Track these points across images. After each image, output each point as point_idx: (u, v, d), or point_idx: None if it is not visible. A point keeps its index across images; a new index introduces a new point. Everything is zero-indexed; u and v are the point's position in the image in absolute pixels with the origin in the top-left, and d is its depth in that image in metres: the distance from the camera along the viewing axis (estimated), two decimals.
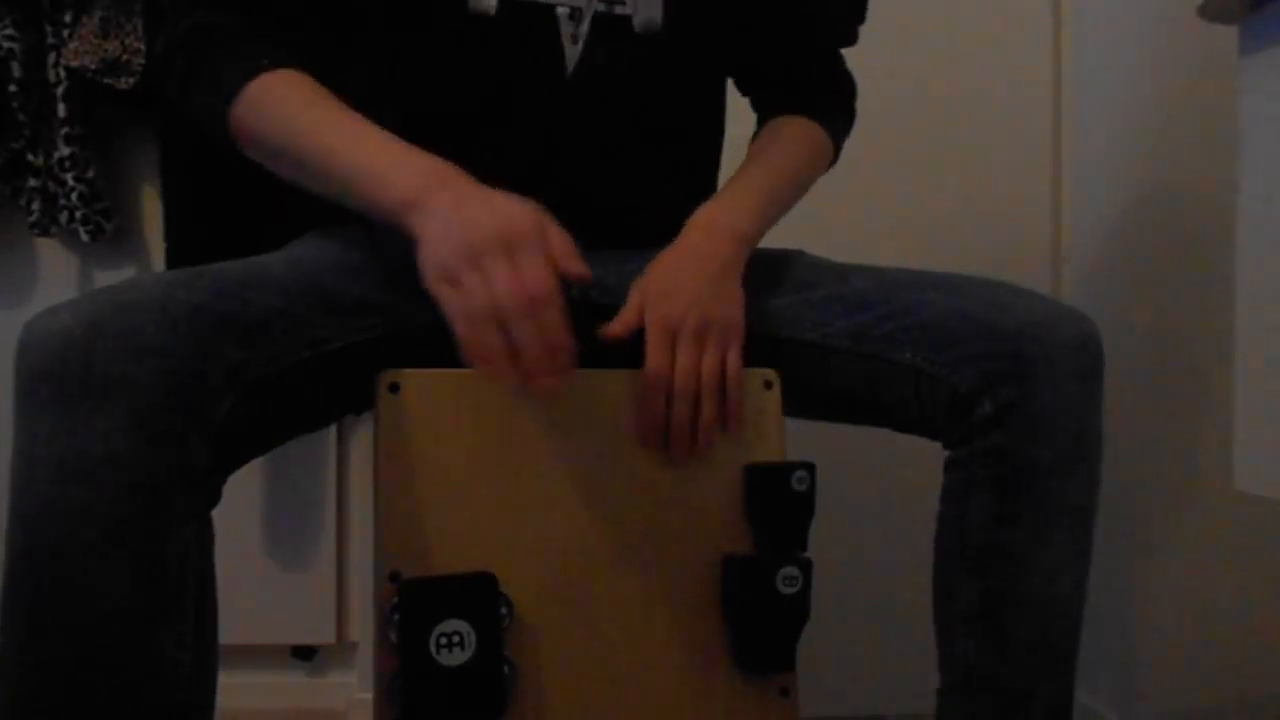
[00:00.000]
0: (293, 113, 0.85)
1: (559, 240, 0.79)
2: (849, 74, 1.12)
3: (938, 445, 0.90)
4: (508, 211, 0.78)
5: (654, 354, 0.85)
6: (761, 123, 1.09)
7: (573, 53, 0.93)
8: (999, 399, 0.83)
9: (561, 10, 0.92)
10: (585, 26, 0.92)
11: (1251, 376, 0.78)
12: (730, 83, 1.11)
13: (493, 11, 0.90)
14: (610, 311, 0.89)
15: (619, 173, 0.97)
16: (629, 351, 0.87)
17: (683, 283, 0.87)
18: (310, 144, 0.84)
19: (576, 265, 0.79)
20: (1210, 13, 0.79)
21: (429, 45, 0.92)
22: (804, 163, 1.04)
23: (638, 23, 0.94)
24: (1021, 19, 1.62)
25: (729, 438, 0.88)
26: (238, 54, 0.86)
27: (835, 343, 0.91)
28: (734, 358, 0.87)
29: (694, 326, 0.86)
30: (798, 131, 1.05)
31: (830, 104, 1.08)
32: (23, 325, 0.72)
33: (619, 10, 0.93)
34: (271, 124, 0.85)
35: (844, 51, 1.12)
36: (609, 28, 0.93)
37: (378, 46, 0.95)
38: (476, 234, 0.76)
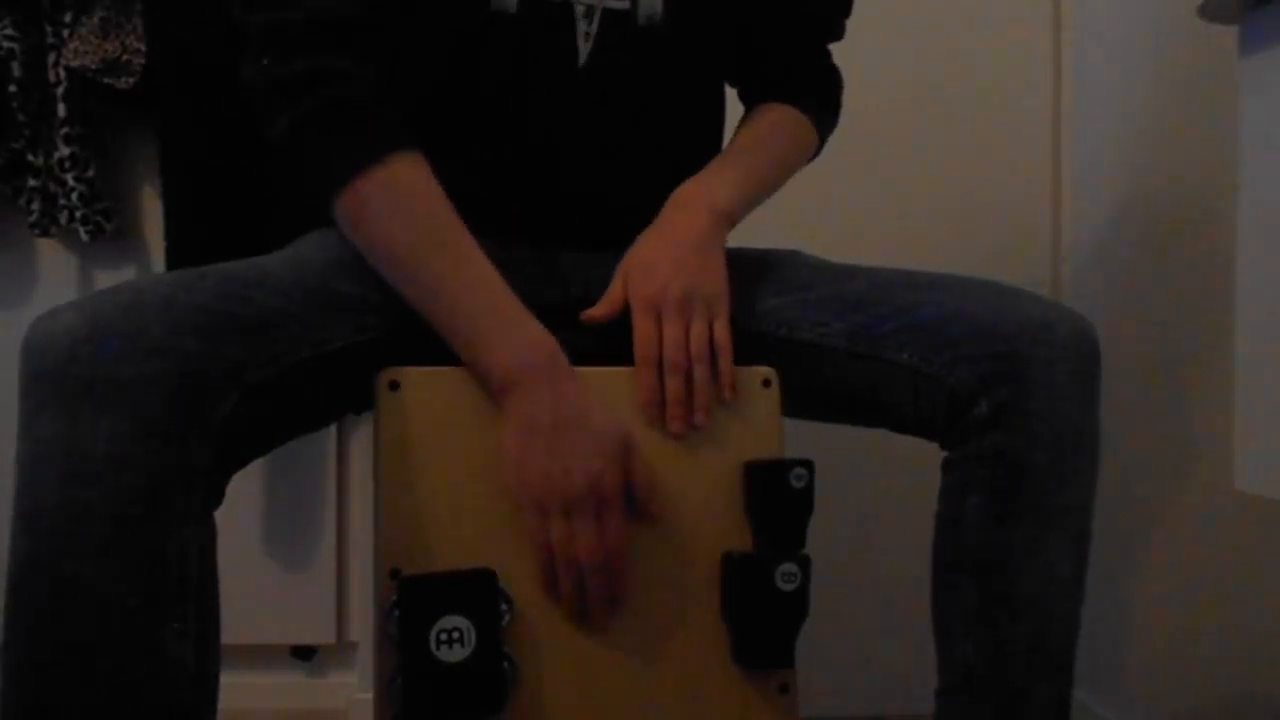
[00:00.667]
0: (408, 228, 0.83)
1: (641, 476, 0.84)
2: (836, 69, 1.12)
3: (936, 445, 0.90)
4: (595, 457, 0.81)
5: (640, 328, 0.86)
6: (748, 112, 1.09)
7: (584, 50, 0.93)
8: (996, 399, 0.83)
9: (579, 8, 0.92)
10: (595, 23, 0.93)
11: (1251, 377, 0.78)
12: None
13: (513, 9, 0.90)
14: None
15: (618, 168, 0.97)
16: (628, 350, 0.87)
17: (662, 258, 0.88)
18: (420, 270, 0.83)
19: (652, 509, 0.85)
20: (1210, 13, 0.79)
21: (450, 43, 0.92)
22: (785, 146, 1.04)
23: (640, 17, 0.94)
24: (1021, 19, 1.62)
25: (728, 436, 0.88)
26: (368, 120, 0.84)
27: (833, 343, 0.91)
28: (721, 327, 0.88)
29: (677, 298, 0.87)
30: (780, 117, 1.05)
31: (816, 98, 1.08)
32: (27, 326, 0.72)
33: (621, 5, 0.93)
34: (385, 224, 0.83)
35: (843, 50, 1.12)
36: (615, 23, 0.93)
37: (397, 42, 0.95)
38: (570, 489, 0.80)
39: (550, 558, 0.82)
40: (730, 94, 1.10)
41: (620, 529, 0.82)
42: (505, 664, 0.80)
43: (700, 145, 1.06)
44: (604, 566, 0.82)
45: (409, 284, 0.84)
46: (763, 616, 0.86)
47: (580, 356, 0.85)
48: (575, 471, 0.80)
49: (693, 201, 0.93)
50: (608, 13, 0.93)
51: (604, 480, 0.81)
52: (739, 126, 1.06)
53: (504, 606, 0.81)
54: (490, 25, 0.91)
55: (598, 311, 0.89)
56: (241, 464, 0.79)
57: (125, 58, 1.47)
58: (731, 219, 0.94)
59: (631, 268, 0.89)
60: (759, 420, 0.90)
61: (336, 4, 0.84)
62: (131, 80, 1.47)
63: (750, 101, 1.11)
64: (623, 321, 0.89)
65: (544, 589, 0.83)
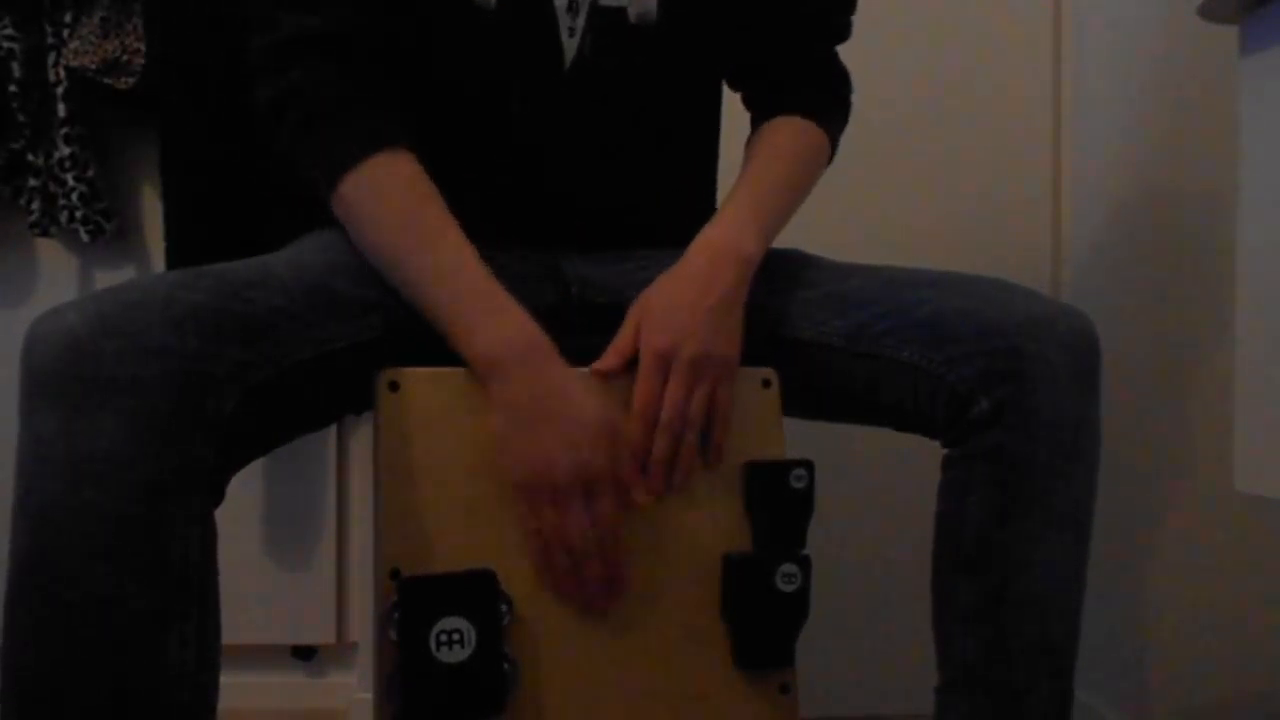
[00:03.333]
0: (396, 216, 0.85)
1: (626, 458, 0.84)
2: (843, 68, 1.10)
3: (936, 443, 0.90)
4: (584, 451, 0.81)
5: (644, 384, 0.85)
6: (756, 122, 1.07)
7: (570, 46, 0.93)
8: (996, 397, 0.83)
9: (560, 3, 0.92)
10: (582, 20, 0.92)
11: (1251, 376, 0.78)
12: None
13: (493, 5, 0.90)
14: (606, 310, 0.89)
15: (615, 170, 0.97)
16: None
17: (681, 312, 0.86)
18: (406, 259, 0.85)
19: (641, 495, 0.85)
20: (1210, 13, 0.79)
21: (430, 39, 0.92)
22: (804, 169, 1.02)
23: (632, 14, 0.93)
24: (1021, 19, 1.62)
25: (729, 436, 0.88)
26: (349, 123, 0.86)
27: (833, 341, 0.91)
28: (724, 394, 0.87)
29: (688, 360, 0.85)
30: (797, 135, 1.03)
31: (825, 100, 1.07)
32: (28, 326, 0.72)
33: (614, 3, 0.93)
34: (372, 224, 0.86)
35: (843, 50, 1.11)
36: (604, 21, 0.93)
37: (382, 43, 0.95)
38: (556, 475, 0.80)
39: (544, 545, 0.82)
40: (729, 93, 1.10)
41: (611, 512, 0.82)
42: (505, 665, 0.80)
43: (696, 145, 1.05)
44: (597, 551, 0.82)
45: (398, 278, 0.85)
46: (763, 617, 0.87)
47: (579, 362, 0.85)
48: (559, 457, 0.80)
49: (719, 249, 0.90)
50: (597, 11, 0.92)
51: (590, 465, 0.81)
52: (752, 146, 1.04)
53: (504, 607, 0.81)
54: (470, 22, 0.90)
55: (606, 364, 0.87)
56: (242, 464, 0.79)
57: (125, 58, 1.47)
58: (756, 265, 0.92)
59: (647, 314, 0.87)
60: (759, 420, 0.90)
61: (322, 20, 0.87)
62: (131, 80, 1.47)
63: (757, 109, 1.08)
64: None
65: (540, 577, 0.83)
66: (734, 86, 1.12)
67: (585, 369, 0.85)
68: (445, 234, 0.85)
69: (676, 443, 0.85)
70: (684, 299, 0.87)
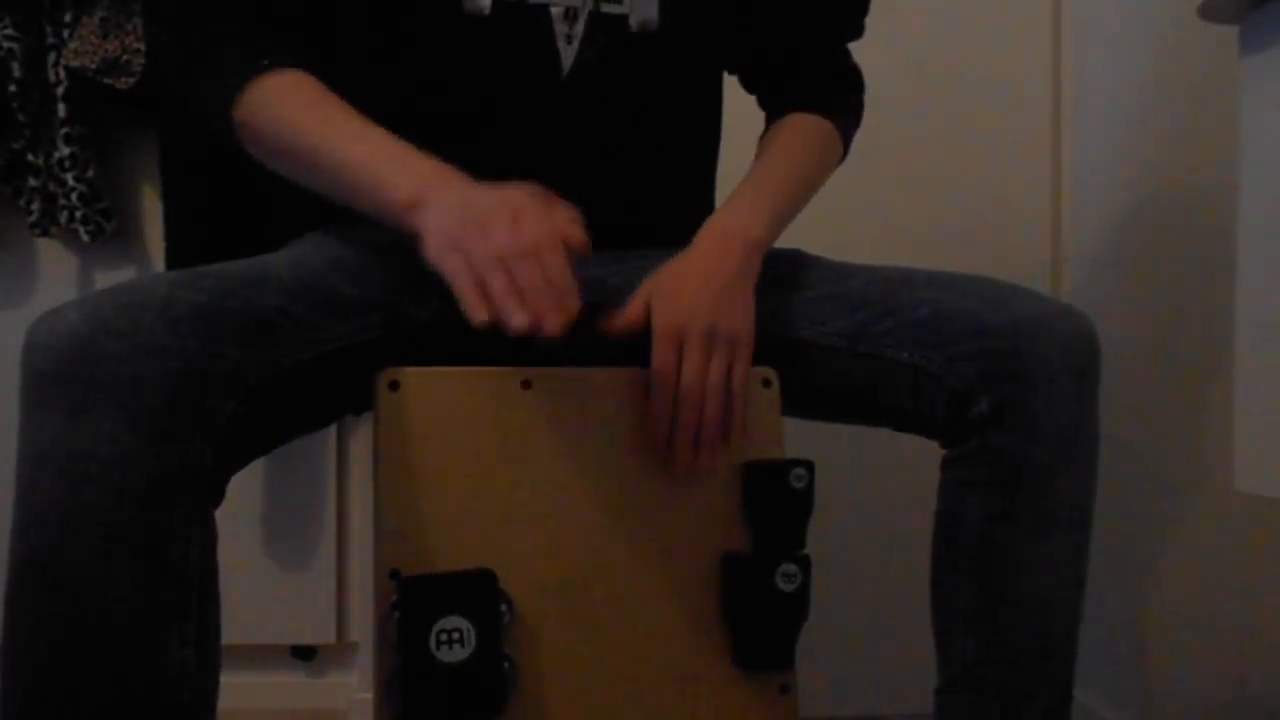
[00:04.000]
0: (295, 112, 0.85)
1: (563, 210, 0.80)
2: (856, 67, 1.11)
3: (936, 443, 0.90)
4: (512, 190, 0.79)
5: (660, 356, 0.85)
6: (770, 120, 1.08)
7: (568, 53, 0.93)
8: (996, 397, 0.83)
9: (555, 10, 0.92)
10: (580, 27, 0.92)
11: (1251, 376, 0.78)
12: (729, 81, 1.10)
13: (486, 12, 0.90)
14: (604, 311, 0.89)
15: (616, 173, 0.97)
16: (629, 350, 0.87)
17: (692, 289, 0.86)
18: (312, 143, 0.84)
19: (578, 233, 0.80)
20: (1210, 13, 0.79)
21: (423, 46, 0.92)
22: (816, 163, 1.03)
23: (633, 22, 0.94)
24: (1021, 18, 1.62)
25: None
26: (239, 55, 0.87)
27: (832, 342, 0.91)
28: (740, 369, 0.87)
29: (701, 331, 0.85)
30: (808, 130, 1.04)
31: (839, 99, 1.07)
32: (28, 326, 0.72)
33: (614, 10, 0.93)
34: (274, 124, 0.86)
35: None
36: (604, 27, 0.93)
37: (371, 47, 0.95)
38: (480, 206, 0.78)
39: (472, 269, 0.76)
40: (727, 93, 1.10)
41: (544, 226, 0.78)
42: (505, 665, 0.80)
43: (696, 147, 1.05)
44: (531, 254, 0.76)
45: (305, 167, 0.86)
46: (763, 617, 0.86)
47: (580, 358, 0.85)
48: (482, 197, 0.79)
49: (728, 234, 0.91)
50: (595, 17, 0.92)
51: (516, 196, 0.79)
52: (764, 141, 1.05)
53: (504, 607, 0.81)
54: (464, 29, 0.90)
55: (618, 325, 0.87)
56: (242, 464, 0.79)
57: (125, 58, 1.46)
58: (765, 251, 0.92)
59: (658, 293, 0.87)
60: (759, 420, 0.90)
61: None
62: (131, 80, 1.47)
63: (771, 108, 1.09)
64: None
65: (475, 310, 0.76)
66: (749, 89, 1.13)
67: (585, 370, 0.85)
68: (346, 116, 0.85)
69: (697, 413, 0.85)
70: (692, 279, 0.87)
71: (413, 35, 0.92)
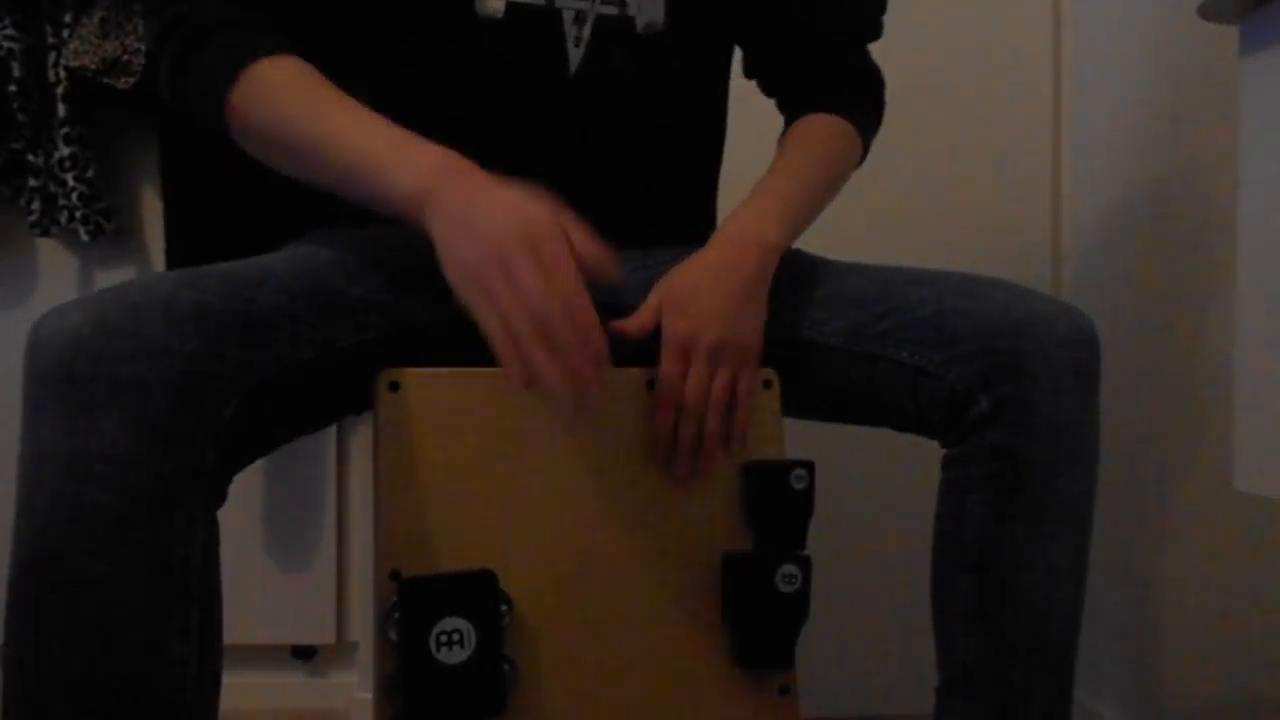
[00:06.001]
0: (292, 100, 0.83)
1: (578, 231, 0.78)
2: (876, 67, 1.10)
3: (936, 443, 0.90)
4: (523, 209, 0.76)
5: (667, 366, 0.85)
6: (789, 121, 1.07)
7: (576, 55, 0.93)
8: (996, 396, 0.83)
9: (567, 13, 0.92)
10: (588, 29, 0.93)
11: (1251, 376, 0.78)
12: (736, 83, 1.10)
13: (500, 15, 0.90)
14: (616, 313, 0.89)
15: (623, 175, 0.97)
16: (632, 350, 0.87)
17: (704, 297, 0.86)
18: (310, 130, 0.82)
19: (611, 271, 0.78)
20: (1210, 13, 0.79)
21: (436, 49, 0.92)
22: (834, 164, 1.02)
23: (640, 24, 0.94)
24: (1021, 19, 1.62)
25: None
26: (233, 42, 0.85)
27: (833, 341, 0.91)
28: (746, 378, 0.87)
29: (710, 344, 0.85)
30: (828, 131, 1.03)
31: (858, 100, 1.07)
32: (29, 326, 0.72)
33: (621, 12, 0.93)
34: (269, 112, 0.83)
35: None
36: (611, 30, 0.93)
37: (383, 49, 0.95)
38: (498, 234, 0.74)
39: (506, 326, 0.73)
40: (733, 95, 1.10)
41: (569, 269, 0.74)
42: (505, 666, 0.80)
43: (703, 150, 1.05)
44: (565, 313, 0.73)
45: (305, 152, 0.83)
46: (763, 617, 0.86)
47: None
48: (496, 219, 0.74)
49: (744, 238, 0.90)
50: (603, 19, 0.93)
51: (532, 223, 0.75)
52: (782, 142, 1.04)
53: (504, 607, 0.81)
54: (478, 32, 0.90)
55: (628, 328, 0.86)
56: (244, 464, 0.79)
57: (125, 58, 1.47)
58: (779, 254, 0.92)
59: (670, 298, 0.87)
60: (759, 421, 0.90)
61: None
62: (131, 80, 1.47)
63: (790, 109, 1.08)
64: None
65: (510, 368, 0.74)
66: (767, 92, 1.12)
67: None
68: (343, 102, 0.83)
69: (699, 426, 0.85)
70: (705, 286, 0.87)
71: (427, 38, 0.92)
